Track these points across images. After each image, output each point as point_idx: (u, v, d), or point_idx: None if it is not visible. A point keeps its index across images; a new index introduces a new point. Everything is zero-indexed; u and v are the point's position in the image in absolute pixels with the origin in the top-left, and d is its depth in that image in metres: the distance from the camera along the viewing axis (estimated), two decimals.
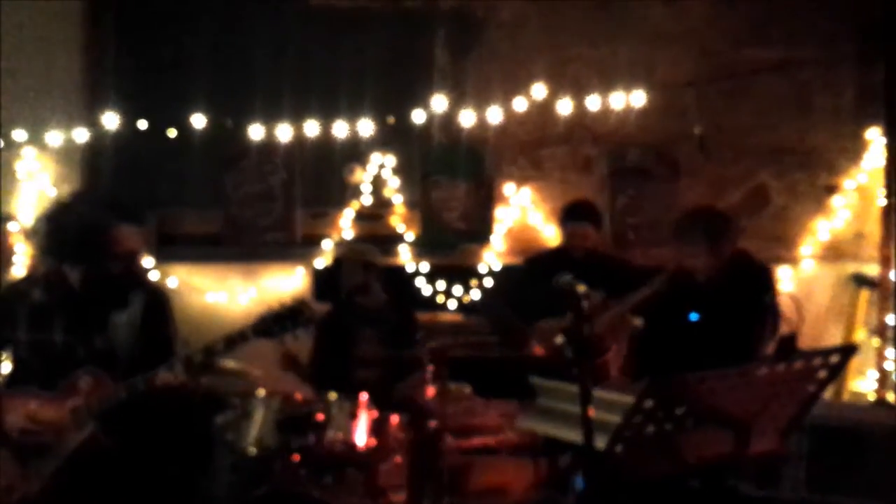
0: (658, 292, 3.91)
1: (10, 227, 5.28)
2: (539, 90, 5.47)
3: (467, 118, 5.51)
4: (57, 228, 3.02)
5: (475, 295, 5.66)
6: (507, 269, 5.62)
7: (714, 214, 3.92)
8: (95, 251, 2.96)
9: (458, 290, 5.72)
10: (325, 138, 5.47)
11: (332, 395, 4.04)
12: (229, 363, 4.06)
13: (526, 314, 4.54)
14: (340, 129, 5.42)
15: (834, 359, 2.39)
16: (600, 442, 2.26)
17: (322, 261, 5.65)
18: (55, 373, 2.96)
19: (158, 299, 3.24)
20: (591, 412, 2.29)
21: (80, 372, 2.94)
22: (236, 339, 2.95)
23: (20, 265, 5.23)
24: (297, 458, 3.90)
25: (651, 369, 3.73)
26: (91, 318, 3.03)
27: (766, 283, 3.80)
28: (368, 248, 5.11)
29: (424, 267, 5.69)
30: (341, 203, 5.69)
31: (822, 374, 2.41)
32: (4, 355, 3.14)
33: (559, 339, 4.13)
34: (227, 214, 5.67)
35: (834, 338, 5.74)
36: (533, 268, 4.88)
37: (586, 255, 4.55)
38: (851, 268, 5.83)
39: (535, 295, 3.90)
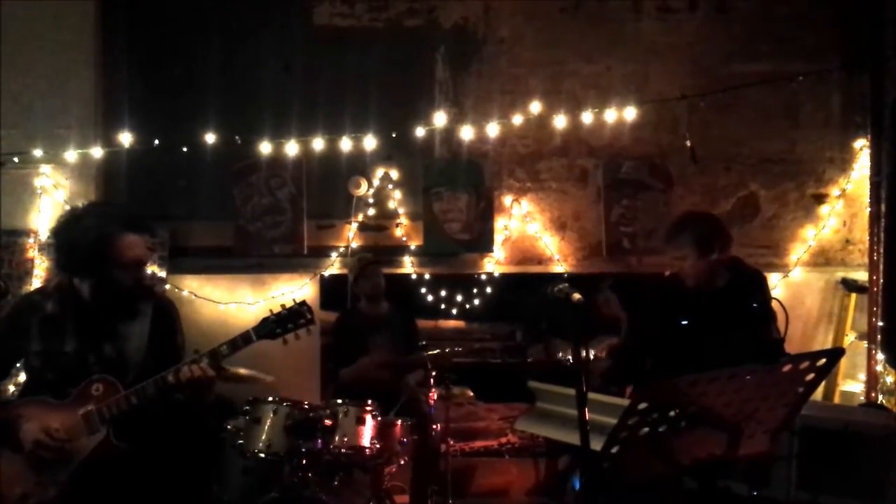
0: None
1: (29, 241, 5.38)
2: (536, 105, 5.56)
3: (467, 132, 5.60)
4: (64, 241, 3.04)
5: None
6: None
7: (703, 219, 3.83)
8: (102, 261, 2.98)
9: (460, 297, 5.83)
10: (331, 153, 5.56)
11: (339, 401, 4.17)
12: (240, 370, 4.19)
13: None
14: (345, 143, 5.50)
15: (821, 361, 2.41)
16: (596, 443, 2.31)
17: (330, 271, 5.74)
18: (67, 382, 2.99)
19: (167, 309, 3.26)
20: (587, 414, 2.34)
21: (91, 378, 2.99)
22: (239, 341, 3.02)
23: (39, 279, 5.31)
24: (305, 461, 4.01)
25: (645, 373, 3.80)
26: (101, 329, 3.05)
27: (759, 288, 3.74)
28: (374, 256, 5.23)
29: (427, 276, 5.80)
30: (347, 215, 5.78)
31: (811, 376, 2.43)
32: (18, 365, 3.18)
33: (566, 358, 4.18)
34: (237, 227, 5.72)
35: (825, 342, 5.84)
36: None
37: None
38: (840, 274, 5.92)
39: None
